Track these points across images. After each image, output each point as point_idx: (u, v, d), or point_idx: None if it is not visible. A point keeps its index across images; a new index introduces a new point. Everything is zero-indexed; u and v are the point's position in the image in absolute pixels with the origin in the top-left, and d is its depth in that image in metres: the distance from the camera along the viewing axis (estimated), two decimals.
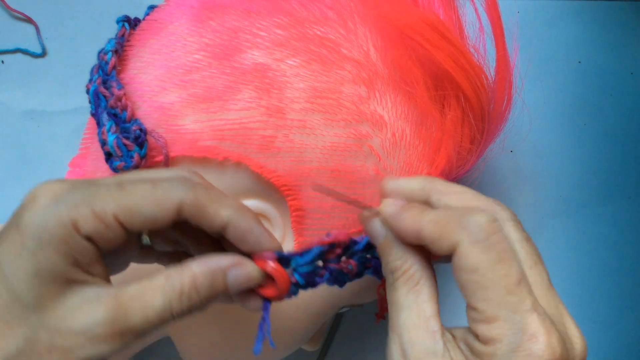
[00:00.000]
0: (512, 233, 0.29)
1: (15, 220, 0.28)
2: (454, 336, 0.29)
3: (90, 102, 0.38)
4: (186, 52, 0.37)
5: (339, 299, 0.41)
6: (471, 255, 0.27)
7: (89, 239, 0.28)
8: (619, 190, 0.59)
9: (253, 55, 0.36)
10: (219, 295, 0.30)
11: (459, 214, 0.28)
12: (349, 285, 0.40)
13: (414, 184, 0.32)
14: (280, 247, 0.32)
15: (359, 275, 0.35)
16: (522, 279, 0.27)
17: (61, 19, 0.58)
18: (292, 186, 0.36)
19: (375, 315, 0.42)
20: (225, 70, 0.36)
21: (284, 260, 0.32)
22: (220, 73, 0.36)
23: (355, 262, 0.35)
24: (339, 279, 0.35)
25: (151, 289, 0.29)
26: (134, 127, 0.36)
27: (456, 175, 0.41)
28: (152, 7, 0.43)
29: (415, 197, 0.32)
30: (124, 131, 0.36)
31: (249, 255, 0.32)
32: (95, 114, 0.38)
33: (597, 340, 0.59)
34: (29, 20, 0.57)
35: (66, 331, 0.27)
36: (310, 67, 0.36)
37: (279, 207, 0.37)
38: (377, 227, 0.32)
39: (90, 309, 0.28)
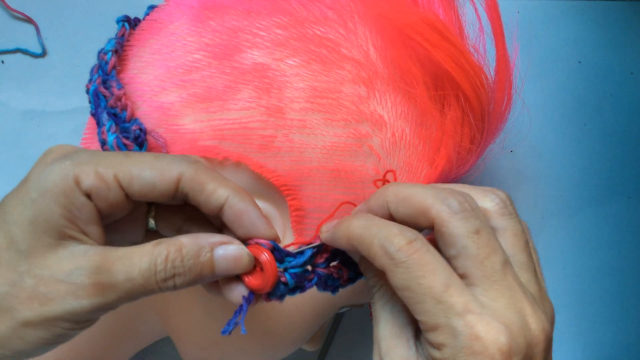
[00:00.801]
0: (458, 228, 0.30)
1: (28, 173, 0.30)
2: (422, 342, 0.30)
3: (90, 102, 0.38)
4: (186, 52, 0.37)
5: (339, 299, 0.41)
6: (398, 277, 0.29)
7: (88, 196, 0.29)
8: (619, 190, 0.59)
9: (253, 55, 0.36)
10: (205, 271, 0.30)
11: (378, 237, 0.30)
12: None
13: (372, 201, 0.33)
14: (277, 237, 0.32)
15: (351, 280, 0.35)
16: (450, 284, 0.29)
17: (61, 19, 0.58)
18: (292, 186, 0.36)
19: (370, 316, 0.42)
20: (225, 70, 0.36)
21: (278, 254, 0.32)
22: (220, 73, 0.36)
23: (346, 268, 0.35)
24: (328, 283, 0.35)
25: (139, 251, 0.30)
26: (133, 127, 0.36)
27: (456, 174, 0.41)
28: (152, 7, 0.43)
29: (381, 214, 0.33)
30: (123, 131, 0.36)
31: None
32: (95, 114, 0.38)
33: (597, 340, 0.59)
34: (29, 20, 0.57)
35: (49, 279, 0.28)
36: (310, 67, 0.36)
37: (278, 207, 0.37)
38: (352, 253, 0.34)
39: (76, 260, 0.29)
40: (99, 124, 0.37)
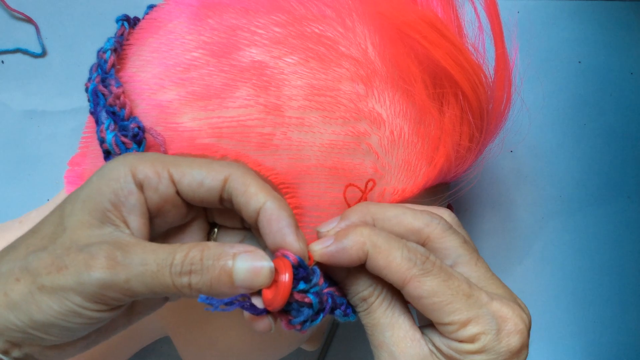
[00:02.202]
0: (453, 241, 0.34)
1: None
2: (431, 340, 0.33)
3: (89, 100, 0.38)
4: (184, 50, 0.37)
5: None
6: (427, 285, 0.31)
7: (140, 186, 0.31)
8: (619, 190, 0.59)
9: (251, 53, 0.36)
10: (223, 277, 0.30)
11: (404, 250, 0.32)
12: None
13: (354, 218, 0.34)
14: (305, 254, 0.32)
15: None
16: (470, 283, 0.32)
17: (61, 19, 0.58)
18: (290, 184, 0.36)
19: None
20: (223, 68, 0.36)
21: (303, 271, 0.31)
22: (218, 71, 0.36)
23: (335, 287, 0.35)
24: (338, 302, 0.34)
25: (164, 245, 0.31)
26: (132, 125, 0.36)
27: (455, 173, 0.41)
28: (151, 7, 0.44)
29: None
30: (122, 129, 0.36)
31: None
32: (94, 112, 0.38)
33: (597, 340, 0.59)
34: (29, 20, 0.58)
35: (73, 249, 0.29)
36: (308, 65, 0.36)
37: None
38: (339, 269, 0.34)
39: (103, 237, 0.30)
40: (97, 122, 0.37)
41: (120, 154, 0.36)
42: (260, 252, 0.31)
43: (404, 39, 0.37)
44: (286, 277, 0.30)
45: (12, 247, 0.31)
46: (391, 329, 0.33)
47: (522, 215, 0.59)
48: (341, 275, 0.34)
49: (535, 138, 0.58)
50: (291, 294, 0.31)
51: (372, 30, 0.38)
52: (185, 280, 0.30)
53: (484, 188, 0.59)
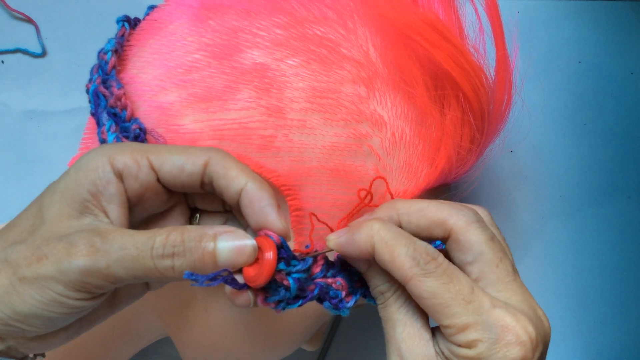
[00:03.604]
0: (478, 235, 0.33)
1: None
2: (438, 342, 0.33)
3: (90, 101, 0.38)
4: (186, 52, 0.37)
5: None
6: (427, 285, 0.31)
7: (119, 175, 0.31)
8: (619, 190, 0.59)
9: (253, 55, 0.36)
10: (206, 257, 0.30)
11: (409, 249, 0.32)
12: None
13: (381, 215, 0.35)
14: (288, 234, 0.32)
15: (352, 293, 0.36)
16: (474, 286, 0.32)
17: (61, 19, 0.58)
18: (292, 186, 0.36)
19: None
20: (224, 70, 0.36)
21: (284, 252, 0.32)
22: (219, 73, 0.36)
23: (343, 279, 0.35)
24: (330, 295, 0.34)
25: (142, 230, 0.31)
26: (133, 127, 0.36)
27: (456, 175, 0.41)
28: (152, 7, 0.43)
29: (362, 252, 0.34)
30: (123, 130, 0.36)
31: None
32: (95, 114, 0.38)
33: (597, 340, 0.59)
34: (29, 20, 0.57)
35: (52, 240, 0.29)
36: (310, 67, 0.36)
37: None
38: (360, 260, 0.34)
39: (82, 226, 0.30)
40: (99, 123, 0.37)
41: None
42: (241, 232, 0.31)
43: (405, 40, 0.37)
44: (270, 255, 0.31)
45: None
46: (402, 326, 0.33)
47: (522, 215, 0.59)
48: (363, 268, 0.35)
49: (535, 138, 0.58)
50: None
51: (374, 32, 0.38)
52: (168, 262, 0.30)
53: (484, 188, 0.59)
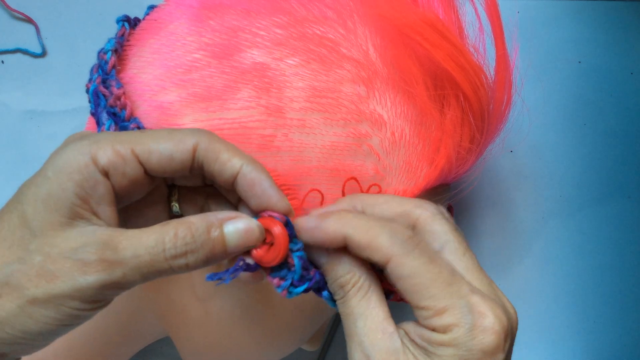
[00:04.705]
0: (443, 225, 0.33)
1: (46, 160, 0.30)
2: (406, 332, 0.32)
3: (89, 101, 0.38)
4: (186, 52, 0.37)
5: None
6: (407, 265, 0.30)
7: (105, 173, 0.30)
8: (619, 189, 0.59)
9: (252, 55, 0.36)
10: (217, 247, 0.30)
11: (386, 228, 0.31)
12: None
13: (343, 207, 0.34)
14: (291, 211, 0.32)
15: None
16: (453, 270, 0.31)
17: (61, 19, 0.58)
18: (292, 185, 0.36)
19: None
20: (224, 70, 0.36)
21: (289, 229, 0.32)
22: (219, 72, 0.36)
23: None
24: (327, 283, 0.34)
25: (147, 230, 0.30)
26: (132, 126, 0.36)
27: (456, 174, 0.41)
28: (152, 7, 0.43)
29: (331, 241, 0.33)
30: (122, 130, 0.36)
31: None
32: (94, 113, 0.38)
33: (597, 340, 0.59)
34: (29, 20, 0.57)
35: (57, 256, 0.28)
36: (310, 67, 0.36)
37: None
38: (320, 253, 0.33)
39: (84, 238, 0.29)
40: (98, 123, 0.37)
41: None
42: (244, 215, 0.31)
43: (405, 40, 0.37)
44: (278, 229, 0.31)
45: None
46: (364, 319, 0.32)
47: (522, 215, 0.59)
48: (322, 261, 0.34)
49: (535, 138, 0.58)
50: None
51: (374, 32, 0.38)
52: (182, 261, 0.30)
53: (484, 188, 0.59)
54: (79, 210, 0.29)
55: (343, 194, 0.36)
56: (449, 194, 0.43)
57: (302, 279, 0.33)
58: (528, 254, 0.59)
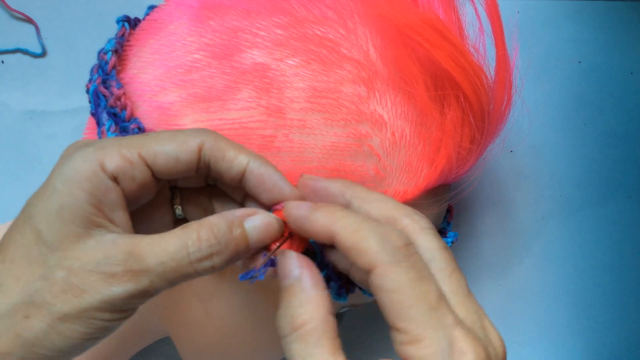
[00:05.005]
0: (431, 242, 0.30)
1: (51, 172, 0.30)
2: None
3: (90, 101, 0.38)
4: (186, 52, 0.37)
5: None
6: (392, 276, 0.27)
7: (114, 179, 0.29)
8: (619, 189, 0.59)
9: (253, 55, 0.36)
10: (240, 245, 0.30)
11: (377, 231, 0.28)
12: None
13: (333, 187, 0.32)
14: (302, 198, 0.32)
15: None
16: (441, 295, 0.28)
17: (61, 19, 0.58)
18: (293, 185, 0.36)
19: None
20: (225, 70, 0.36)
21: None
22: (220, 73, 0.36)
23: None
24: (334, 275, 0.34)
25: (168, 235, 0.29)
26: (132, 126, 0.36)
27: (456, 175, 0.41)
28: (152, 7, 0.43)
29: (334, 202, 0.32)
30: (123, 130, 0.36)
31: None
32: (95, 114, 0.38)
33: (597, 340, 0.59)
34: (29, 20, 0.57)
35: (80, 270, 0.28)
36: (310, 67, 0.36)
37: None
38: (291, 265, 0.30)
39: (105, 249, 0.29)
40: (98, 123, 0.37)
41: None
42: (261, 210, 0.31)
43: (405, 40, 0.37)
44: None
45: None
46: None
47: (522, 215, 0.59)
48: (283, 282, 0.31)
49: (535, 138, 0.58)
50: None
51: (374, 32, 0.38)
52: (207, 263, 0.30)
53: (484, 188, 0.59)
54: (94, 219, 0.29)
55: None
56: (449, 194, 0.43)
57: (322, 265, 0.33)
58: (528, 254, 0.59)
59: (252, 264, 0.32)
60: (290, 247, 0.32)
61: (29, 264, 0.29)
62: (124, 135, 0.36)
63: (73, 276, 0.28)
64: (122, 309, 0.29)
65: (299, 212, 0.31)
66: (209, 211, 0.34)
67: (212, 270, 0.30)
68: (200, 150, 0.31)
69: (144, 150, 0.30)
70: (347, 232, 0.29)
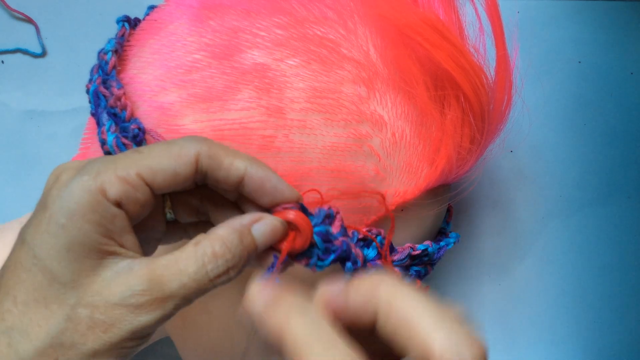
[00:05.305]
0: None
1: (42, 201, 0.29)
2: None
3: (90, 102, 0.38)
4: (186, 52, 0.37)
5: None
6: None
7: (117, 204, 0.29)
8: (619, 189, 0.59)
9: (253, 55, 0.36)
10: (251, 254, 0.31)
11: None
12: None
13: (357, 297, 0.27)
14: (301, 197, 0.32)
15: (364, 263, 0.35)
16: None
17: (61, 19, 0.58)
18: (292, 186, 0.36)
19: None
20: (225, 70, 0.36)
21: (305, 212, 0.32)
22: (220, 73, 0.36)
23: (361, 252, 0.35)
24: (351, 254, 0.34)
25: (182, 256, 0.29)
26: (132, 126, 0.36)
27: (456, 175, 0.41)
28: (152, 7, 0.43)
29: (358, 314, 0.27)
30: (123, 130, 0.36)
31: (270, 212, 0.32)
32: (95, 114, 0.38)
33: (597, 340, 0.59)
34: (29, 20, 0.57)
35: (104, 305, 0.28)
36: (310, 67, 0.36)
37: None
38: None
39: (125, 280, 0.28)
40: (98, 123, 0.37)
41: None
42: (266, 214, 0.31)
43: (405, 40, 0.37)
44: (298, 216, 0.32)
45: (12, 331, 0.28)
46: None
47: (522, 215, 0.59)
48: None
49: (536, 138, 0.58)
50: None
51: (374, 32, 0.38)
52: (224, 278, 0.30)
53: (484, 188, 0.59)
54: (106, 249, 0.29)
55: (349, 196, 0.36)
56: (449, 195, 0.43)
57: (327, 252, 0.33)
58: (528, 254, 0.59)
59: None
60: (295, 245, 0.32)
61: (46, 306, 0.28)
62: (124, 135, 0.36)
63: (98, 313, 0.28)
64: (148, 333, 0.29)
65: (255, 303, 0.28)
66: (201, 212, 0.34)
67: (228, 281, 0.30)
68: (197, 161, 0.30)
69: (141, 170, 0.29)
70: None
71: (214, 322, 0.40)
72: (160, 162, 0.29)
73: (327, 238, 0.33)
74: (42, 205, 0.29)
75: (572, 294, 0.59)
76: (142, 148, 0.30)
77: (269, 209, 0.32)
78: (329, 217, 0.34)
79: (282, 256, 0.32)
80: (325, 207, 0.33)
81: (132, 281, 0.28)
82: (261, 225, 0.31)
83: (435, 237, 0.43)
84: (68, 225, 0.28)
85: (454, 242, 0.43)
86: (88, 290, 0.28)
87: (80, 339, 0.28)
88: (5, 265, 0.29)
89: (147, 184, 0.29)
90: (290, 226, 0.32)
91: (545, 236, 0.59)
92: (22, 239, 0.29)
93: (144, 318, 0.28)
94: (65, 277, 0.28)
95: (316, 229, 0.33)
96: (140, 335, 0.29)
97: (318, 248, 0.33)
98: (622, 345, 0.59)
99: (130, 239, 0.30)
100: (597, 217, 0.59)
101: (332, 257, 0.33)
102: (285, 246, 0.32)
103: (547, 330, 0.59)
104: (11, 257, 0.29)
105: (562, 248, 0.59)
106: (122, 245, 0.29)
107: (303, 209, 0.32)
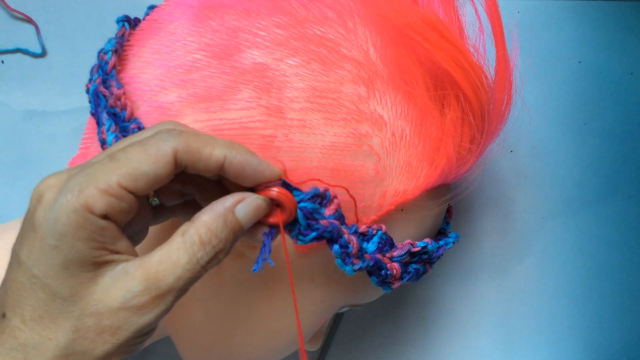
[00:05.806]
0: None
1: (29, 222, 0.29)
2: None
3: (90, 101, 0.38)
4: (186, 52, 0.37)
5: (338, 299, 0.41)
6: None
7: (105, 217, 0.29)
8: (619, 189, 0.59)
9: (253, 55, 0.36)
10: (237, 234, 0.31)
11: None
12: (349, 284, 0.40)
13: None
14: (282, 173, 0.33)
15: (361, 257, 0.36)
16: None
17: (61, 19, 0.58)
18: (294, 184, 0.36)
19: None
20: (225, 70, 0.36)
21: (287, 188, 0.33)
22: (220, 73, 0.36)
23: (356, 240, 0.35)
24: (341, 238, 0.35)
25: (172, 248, 0.30)
26: (132, 126, 0.36)
27: (456, 175, 0.41)
28: (152, 7, 0.43)
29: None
30: (123, 130, 0.36)
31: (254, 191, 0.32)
32: (95, 114, 0.38)
33: (597, 340, 0.59)
34: (29, 20, 0.57)
35: (108, 311, 0.29)
36: (310, 67, 0.36)
37: None
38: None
39: (123, 284, 0.29)
40: (98, 123, 0.37)
41: None
42: (248, 193, 0.32)
43: (405, 40, 0.37)
44: (281, 192, 0.32)
45: (26, 347, 0.29)
46: None
47: (522, 215, 0.59)
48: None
49: (536, 138, 0.58)
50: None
51: (374, 32, 0.38)
52: (214, 262, 0.31)
53: (484, 188, 0.59)
54: (100, 259, 0.29)
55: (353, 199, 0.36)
56: (449, 195, 0.43)
57: (309, 228, 0.33)
58: (528, 254, 0.59)
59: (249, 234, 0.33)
60: (278, 220, 0.33)
61: (53, 321, 0.29)
62: (124, 135, 0.35)
63: (103, 319, 0.29)
64: (152, 328, 0.30)
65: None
66: (185, 195, 0.34)
67: (219, 263, 0.31)
68: (175, 158, 0.30)
69: (122, 179, 0.29)
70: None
71: (214, 322, 0.40)
72: (140, 167, 0.29)
73: (311, 215, 0.33)
74: (31, 225, 0.29)
75: (572, 294, 0.59)
76: (116, 154, 0.30)
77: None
78: (321, 197, 0.34)
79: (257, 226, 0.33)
80: (321, 188, 0.34)
81: (130, 284, 0.29)
82: (244, 206, 0.31)
83: (435, 237, 0.43)
84: (60, 245, 0.28)
85: (454, 242, 0.43)
86: (90, 300, 0.29)
87: (90, 345, 0.29)
88: (6, 285, 0.30)
89: (130, 192, 0.29)
90: (275, 202, 0.33)
91: (545, 236, 0.59)
92: (17, 259, 0.30)
93: (147, 316, 0.29)
94: (65, 292, 0.29)
95: (301, 204, 0.33)
96: (145, 332, 0.30)
97: (299, 223, 0.33)
98: (623, 345, 0.59)
99: (122, 243, 0.30)
100: (597, 217, 0.59)
101: (313, 234, 0.34)
102: (272, 220, 0.33)
103: (547, 330, 0.59)
104: (10, 276, 0.30)
105: (562, 248, 0.59)
106: (115, 252, 0.30)
107: (286, 184, 0.33)
